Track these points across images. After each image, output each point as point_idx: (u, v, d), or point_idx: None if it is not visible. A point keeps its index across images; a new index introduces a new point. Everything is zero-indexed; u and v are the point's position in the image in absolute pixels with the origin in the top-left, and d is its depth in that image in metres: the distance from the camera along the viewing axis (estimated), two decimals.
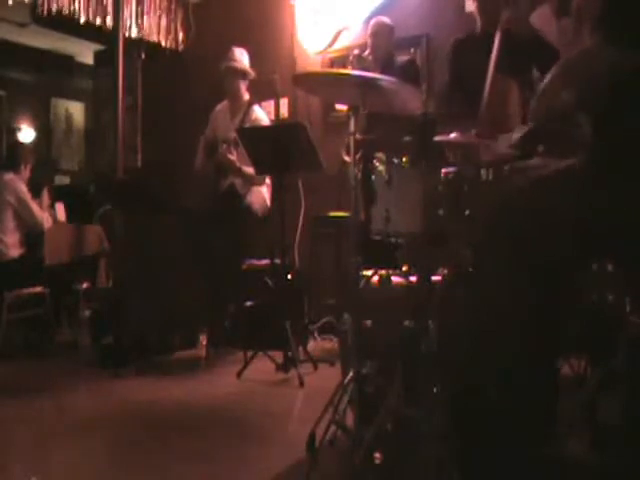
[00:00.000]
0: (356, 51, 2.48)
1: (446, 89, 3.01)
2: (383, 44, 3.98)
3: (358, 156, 2.15)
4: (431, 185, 1.93)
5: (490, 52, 2.57)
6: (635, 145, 1.42)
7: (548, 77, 1.52)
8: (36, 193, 4.57)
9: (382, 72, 3.39)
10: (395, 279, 2.13)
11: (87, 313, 4.44)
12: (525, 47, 2.57)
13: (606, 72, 1.44)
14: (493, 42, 2.59)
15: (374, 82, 2.11)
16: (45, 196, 4.66)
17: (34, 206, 4.40)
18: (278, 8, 5.36)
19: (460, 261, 1.96)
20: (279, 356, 3.48)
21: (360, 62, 3.29)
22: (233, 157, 4.16)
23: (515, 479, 1.44)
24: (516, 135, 1.86)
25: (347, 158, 3.89)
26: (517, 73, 2.51)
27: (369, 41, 4.01)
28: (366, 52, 3.90)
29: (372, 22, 4.11)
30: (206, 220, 4.02)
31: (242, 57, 4.34)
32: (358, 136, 2.18)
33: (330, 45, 5.10)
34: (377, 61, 3.91)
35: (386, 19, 4.11)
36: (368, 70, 2.86)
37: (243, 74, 4.33)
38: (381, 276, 2.16)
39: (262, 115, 4.29)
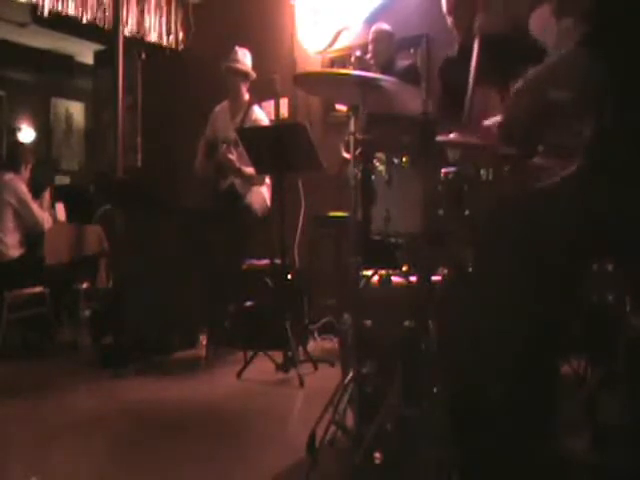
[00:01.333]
0: (358, 53, 2.49)
1: (437, 109, 3.04)
2: (383, 50, 4.02)
3: (358, 152, 2.14)
4: (431, 185, 1.93)
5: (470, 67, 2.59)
6: (635, 145, 1.42)
7: (527, 76, 1.53)
8: (37, 193, 4.57)
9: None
10: (395, 279, 2.13)
11: (87, 313, 4.44)
12: (503, 46, 2.57)
13: (587, 77, 1.45)
14: (471, 57, 2.62)
15: (374, 82, 2.12)
16: (47, 196, 4.66)
17: (34, 206, 4.40)
18: (278, 8, 5.36)
19: (460, 261, 1.96)
20: (279, 356, 3.48)
21: (362, 63, 3.30)
22: (233, 157, 4.16)
23: (515, 479, 1.44)
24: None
25: (347, 155, 3.89)
26: (498, 79, 2.52)
27: (369, 47, 4.05)
28: (367, 56, 3.92)
29: (372, 29, 4.14)
30: (206, 220, 4.02)
31: (244, 58, 4.34)
32: (358, 136, 2.18)
33: (330, 45, 5.10)
34: (377, 65, 3.94)
35: (386, 26, 4.13)
36: (369, 72, 2.86)
37: (244, 75, 4.33)
38: (381, 276, 2.16)
39: (262, 115, 4.29)
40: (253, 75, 4.35)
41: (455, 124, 2.40)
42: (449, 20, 2.91)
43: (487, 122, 2.10)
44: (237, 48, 4.34)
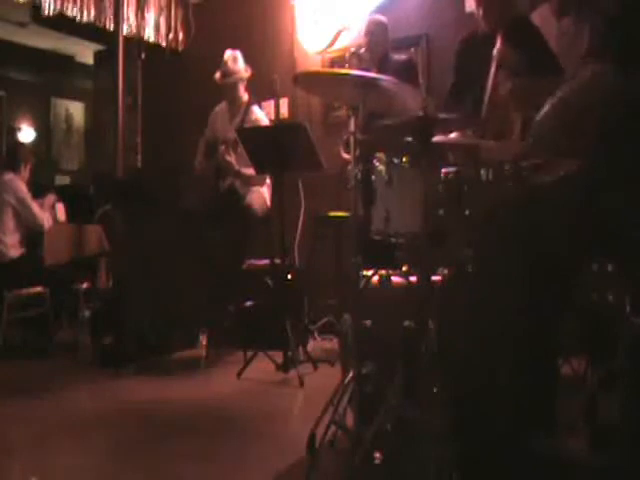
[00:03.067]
0: (353, 49, 2.47)
1: (451, 89, 3.01)
2: (379, 42, 3.95)
3: (357, 153, 2.14)
4: (431, 185, 1.93)
5: (492, 52, 2.57)
6: (636, 147, 1.42)
7: (547, 109, 1.52)
8: (37, 193, 4.57)
9: (379, 71, 3.38)
10: (395, 279, 2.13)
11: (87, 313, 4.44)
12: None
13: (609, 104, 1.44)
14: (495, 42, 2.59)
15: (374, 82, 2.11)
16: (49, 198, 4.66)
17: (34, 205, 4.40)
18: (278, 8, 5.36)
19: (460, 261, 1.96)
20: (279, 356, 3.48)
21: (357, 60, 3.28)
22: (231, 159, 4.16)
23: (515, 479, 1.44)
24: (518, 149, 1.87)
25: (346, 155, 3.89)
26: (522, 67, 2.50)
27: (364, 40, 3.98)
28: (362, 50, 3.88)
29: (367, 21, 4.08)
30: (206, 220, 4.02)
31: (235, 65, 4.28)
32: (358, 136, 2.18)
33: (330, 45, 5.10)
34: (374, 59, 3.86)
35: (380, 17, 4.08)
36: (365, 68, 2.85)
37: (240, 80, 4.32)
38: (381, 276, 2.16)
39: (262, 115, 4.29)
40: (247, 74, 4.33)
41: (464, 115, 2.39)
42: (477, 11, 2.87)
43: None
44: (226, 56, 4.28)
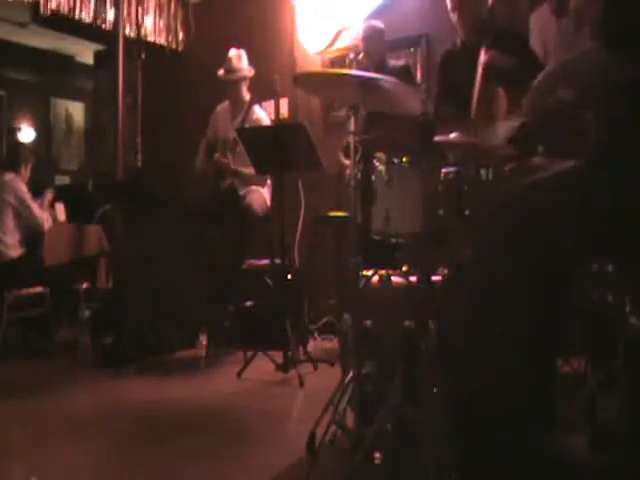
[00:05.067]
0: (351, 55, 2.49)
1: (435, 100, 3.06)
2: (375, 48, 3.98)
3: (358, 157, 2.14)
4: (431, 185, 1.93)
5: (474, 62, 2.61)
6: (636, 145, 1.42)
7: (542, 75, 1.52)
8: (37, 193, 4.57)
9: None
10: (395, 279, 2.13)
11: (87, 313, 4.44)
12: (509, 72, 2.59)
13: (601, 77, 1.44)
14: (477, 53, 2.63)
15: (374, 82, 2.12)
16: (49, 197, 4.67)
17: (34, 206, 4.40)
18: (278, 8, 5.36)
19: (460, 261, 1.96)
20: (279, 356, 3.48)
21: (357, 65, 3.28)
22: (227, 161, 4.17)
23: (515, 479, 1.44)
24: (512, 124, 1.87)
25: (346, 161, 3.89)
26: (503, 81, 2.53)
27: (361, 45, 4.00)
28: (360, 56, 3.90)
29: (363, 27, 4.10)
30: (206, 220, 4.02)
31: (239, 62, 4.30)
32: (358, 137, 2.18)
33: (330, 45, 5.09)
34: (370, 65, 3.88)
35: (377, 22, 4.10)
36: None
37: (243, 79, 4.32)
38: (381, 276, 2.16)
39: (263, 115, 4.29)
40: (250, 74, 4.34)
41: (454, 121, 2.40)
42: (453, 16, 2.91)
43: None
44: (231, 54, 4.30)
